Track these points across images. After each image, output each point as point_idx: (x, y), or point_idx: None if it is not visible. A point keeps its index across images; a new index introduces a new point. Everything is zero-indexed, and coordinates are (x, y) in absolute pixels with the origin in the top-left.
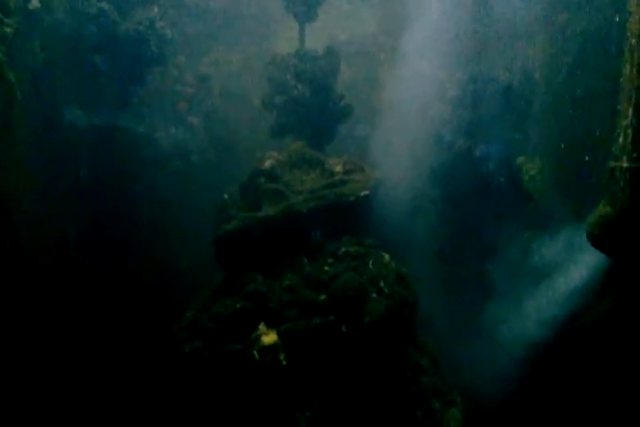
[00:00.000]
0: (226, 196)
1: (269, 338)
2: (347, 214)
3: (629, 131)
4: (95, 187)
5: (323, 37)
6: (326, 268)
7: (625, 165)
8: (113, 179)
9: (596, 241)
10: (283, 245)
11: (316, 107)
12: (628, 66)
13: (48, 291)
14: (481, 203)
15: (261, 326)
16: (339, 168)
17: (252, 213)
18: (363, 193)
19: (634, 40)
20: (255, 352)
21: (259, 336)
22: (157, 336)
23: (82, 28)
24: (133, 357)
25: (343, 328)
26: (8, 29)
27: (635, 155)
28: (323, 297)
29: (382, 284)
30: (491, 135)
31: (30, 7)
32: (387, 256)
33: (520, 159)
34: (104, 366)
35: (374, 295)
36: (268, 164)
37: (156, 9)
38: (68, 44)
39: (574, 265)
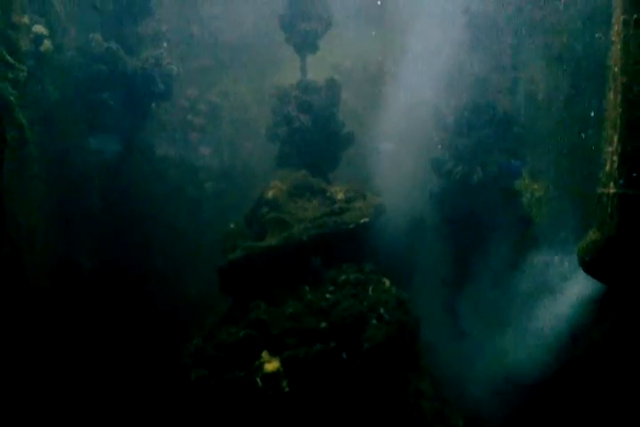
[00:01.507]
0: (232, 225)
1: (272, 365)
2: (347, 242)
3: (615, 157)
4: (108, 216)
5: (328, 65)
6: (327, 295)
7: (612, 191)
8: (126, 208)
9: (587, 267)
10: (285, 273)
11: (318, 136)
12: (611, 93)
13: (61, 318)
14: (479, 228)
15: (264, 354)
16: (340, 196)
17: (255, 243)
18: (362, 221)
19: (616, 68)
20: (258, 379)
21: (262, 364)
22: (165, 362)
23: (91, 67)
24: (140, 382)
25: (344, 355)
26: (20, 74)
27: (621, 181)
28: (323, 324)
29: (382, 310)
30: (489, 160)
31: (42, 49)
32: (387, 282)
33: (519, 183)
34: (111, 390)
35: (374, 322)
36: (270, 193)
37: (165, 44)
38: (79, 83)
39: (571, 290)
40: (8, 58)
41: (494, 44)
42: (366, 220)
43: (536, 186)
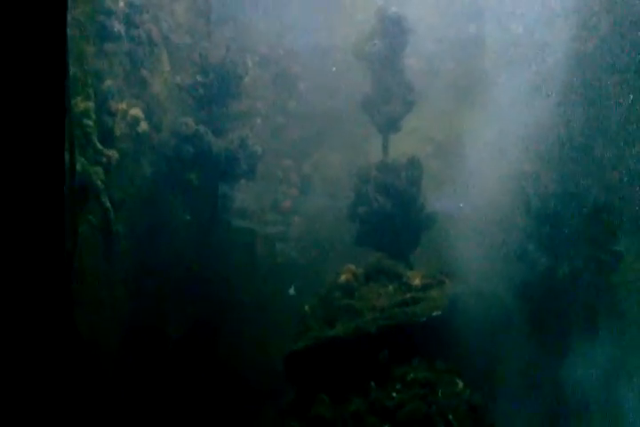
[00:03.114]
0: (306, 307)
1: None
2: (417, 335)
3: None
4: (194, 288)
5: (420, 136)
6: (393, 394)
7: None
8: (213, 277)
9: None
10: (352, 365)
11: (397, 218)
12: None
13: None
14: (568, 326)
15: None
16: (417, 282)
17: (322, 333)
18: (435, 313)
19: None
20: None
21: None
22: None
23: (180, 148)
24: None
25: None
26: (113, 157)
27: None
28: None
29: (451, 417)
30: (577, 253)
31: (139, 130)
32: (460, 384)
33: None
34: None
35: None
36: (343, 278)
37: (259, 120)
38: (169, 162)
39: None
40: (98, 145)
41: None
42: (439, 313)
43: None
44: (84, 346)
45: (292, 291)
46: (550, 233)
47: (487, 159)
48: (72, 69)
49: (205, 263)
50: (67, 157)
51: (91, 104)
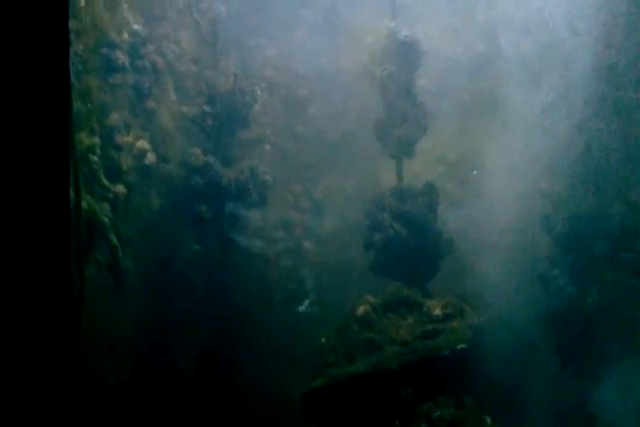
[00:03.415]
0: (323, 340)
1: None
2: (441, 370)
3: None
4: (207, 321)
5: (432, 158)
6: None
7: None
8: (225, 310)
9: None
10: (374, 403)
11: (414, 246)
12: None
13: None
14: (599, 357)
15: None
16: (437, 311)
17: (340, 370)
18: (459, 346)
19: None
20: None
21: None
22: None
23: (189, 180)
24: None
25: None
26: (120, 192)
27: None
28: None
29: None
30: (605, 279)
31: (147, 162)
32: (488, 420)
33: None
34: None
35: None
36: (361, 310)
37: (268, 146)
38: (178, 194)
39: None
40: (105, 181)
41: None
42: (463, 345)
43: None
44: (93, 385)
45: (302, 307)
46: (575, 257)
47: (502, 179)
48: (76, 105)
49: (217, 293)
50: (72, 194)
51: (96, 139)
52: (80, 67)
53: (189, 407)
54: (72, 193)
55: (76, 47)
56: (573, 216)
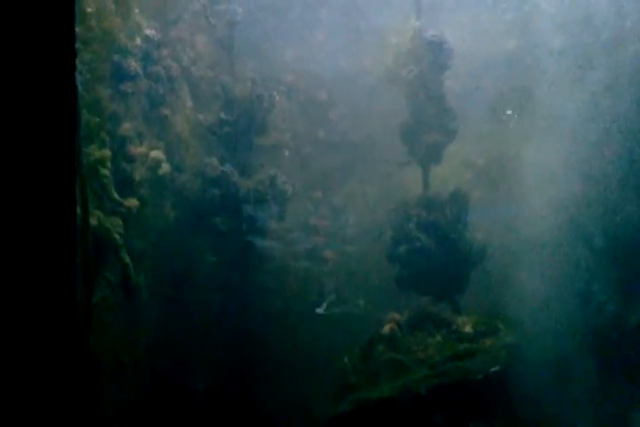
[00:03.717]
0: (346, 359)
1: None
2: (473, 395)
3: None
4: (223, 337)
5: (459, 162)
6: None
7: None
8: (243, 327)
9: None
10: None
11: (443, 258)
12: None
13: None
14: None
15: None
16: (468, 329)
17: (366, 394)
18: (492, 369)
19: None
20: None
21: None
22: None
23: (205, 191)
24: None
25: None
26: (132, 206)
27: None
28: None
29: None
30: None
31: (161, 173)
32: None
33: None
34: None
35: None
36: (387, 329)
37: (287, 152)
38: (193, 206)
39: None
40: (116, 196)
41: None
42: (496, 368)
43: None
44: (105, 407)
45: (320, 309)
46: (618, 271)
47: (535, 185)
48: (86, 116)
49: (236, 307)
50: (79, 211)
51: (107, 152)
52: (88, 76)
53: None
54: (79, 210)
55: (84, 56)
56: (614, 225)
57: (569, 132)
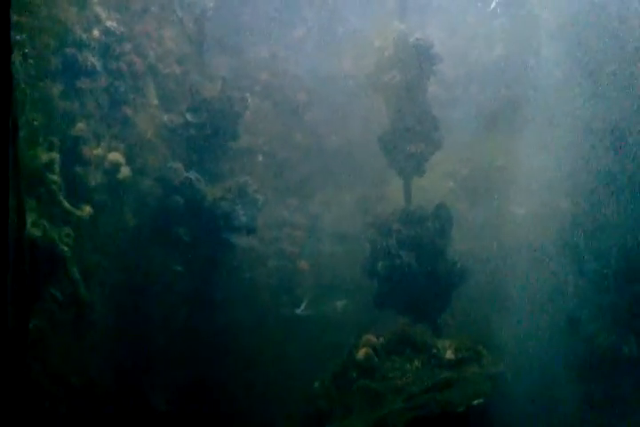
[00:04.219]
0: (317, 384)
1: None
2: None
3: None
4: (188, 353)
5: (442, 172)
6: None
7: None
8: (209, 343)
9: None
10: None
11: (424, 276)
12: None
13: None
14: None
15: None
16: (449, 354)
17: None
18: (476, 402)
19: None
20: None
21: None
22: None
23: (168, 198)
24: None
25: None
26: (84, 213)
27: None
28: None
29: None
30: None
31: (120, 177)
32: None
33: None
34: None
35: None
36: (362, 354)
37: (261, 157)
38: (155, 214)
39: None
40: (66, 204)
41: None
42: (480, 400)
43: None
44: None
45: (300, 310)
46: (611, 298)
47: (520, 196)
48: (30, 115)
49: (200, 320)
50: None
51: (54, 154)
52: (33, 71)
53: None
54: (14, 219)
55: (29, 47)
56: (607, 247)
57: (559, 141)
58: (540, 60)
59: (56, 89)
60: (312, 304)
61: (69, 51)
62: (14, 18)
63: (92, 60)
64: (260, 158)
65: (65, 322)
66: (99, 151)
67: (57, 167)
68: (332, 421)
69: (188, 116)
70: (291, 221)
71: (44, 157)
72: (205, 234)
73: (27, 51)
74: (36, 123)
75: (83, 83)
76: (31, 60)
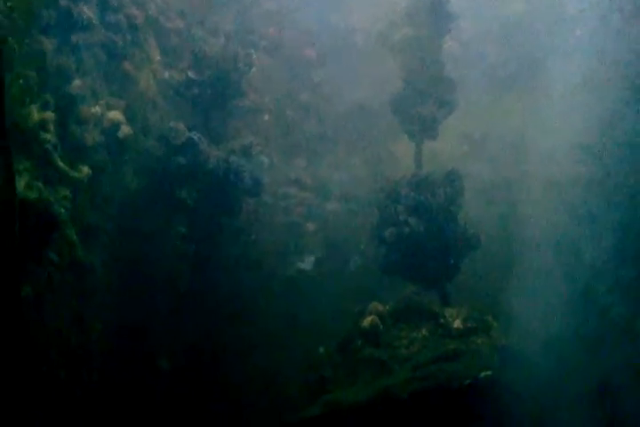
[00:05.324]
0: (321, 349)
1: None
2: (460, 402)
3: None
4: (193, 313)
5: (456, 134)
6: None
7: None
8: (212, 304)
9: None
10: None
11: (433, 243)
12: None
13: None
14: None
15: None
16: (457, 324)
17: (340, 396)
18: (483, 374)
19: None
20: None
21: None
22: None
23: (169, 160)
24: None
25: None
26: (84, 174)
27: None
28: None
29: None
30: None
31: (120, 136)
32: None
33: None
34: None
35: None
36: (368, 322)
37: (267, 117)
38: (155, 176)
39: None
40: (61, 164)
41: None
42: (488, 373)
43: None
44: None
45: (304, 265)
46: (626, 270)
47: (537, 162)
48: (21, 71)
49: (205, 282)
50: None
51: (49, 114)
52: (22, 25)
53: (171, 406)
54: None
55: (16, 0)
56: (625, 217)
57: (570, 105)
58: (564, 16)
59: (50, 44)
60: (318, 263)
61: (63, 2)
62: None
63: (88, 12)
64: (267, 117)
65: (64, 285)
66: (97, 110)
67: (52, 126)
68: (336, 388)
69: (191, 74)
70: (298, 181)
71: (37, 116)
72: (208, 196)
73: (12, 3)
74: (28, 80)
75: (79, 37)
76: (16, 14)
